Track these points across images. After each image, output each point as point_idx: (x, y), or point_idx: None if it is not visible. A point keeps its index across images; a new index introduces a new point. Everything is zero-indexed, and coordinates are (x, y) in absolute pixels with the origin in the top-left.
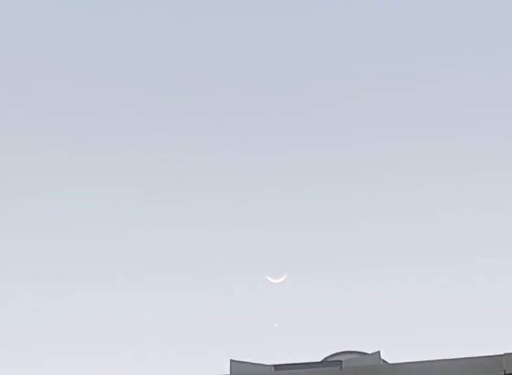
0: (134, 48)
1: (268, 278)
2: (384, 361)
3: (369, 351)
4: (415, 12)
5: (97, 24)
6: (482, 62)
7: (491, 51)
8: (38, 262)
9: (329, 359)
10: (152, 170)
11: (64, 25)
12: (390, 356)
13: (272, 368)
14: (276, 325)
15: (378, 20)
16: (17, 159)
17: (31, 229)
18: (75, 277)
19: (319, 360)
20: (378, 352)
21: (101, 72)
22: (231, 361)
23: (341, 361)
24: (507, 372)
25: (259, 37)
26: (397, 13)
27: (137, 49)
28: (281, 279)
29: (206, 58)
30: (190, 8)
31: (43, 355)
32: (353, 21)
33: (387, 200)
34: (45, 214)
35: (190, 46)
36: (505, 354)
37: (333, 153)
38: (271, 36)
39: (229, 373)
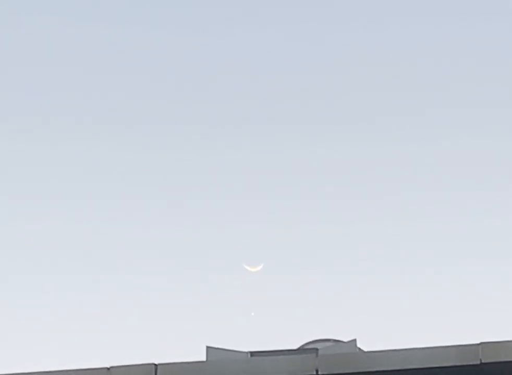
0: (134, 48)
1: (245, 266)
2: (359, 349)
3: (345, 339)
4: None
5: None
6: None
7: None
8: None
9: (305, 347)
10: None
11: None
12: (366, 344)
13: (249, 354)
14: (252, 314)
15: (378, 22)
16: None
17: None
18: None
19: (295, 347)
20: (354, 340)
21: (103, 72)
22: (207, 347)
23: (317, 349)
24: (482, 361)
25: (262, 39)
26: (394, 15)
27: (137, 49)
28: (258, 268)
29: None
30: (182, 11)
31: None
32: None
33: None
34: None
35: (188, 46)
36: (481, 343)
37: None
38: (271, 37)
39: (205, 359)
